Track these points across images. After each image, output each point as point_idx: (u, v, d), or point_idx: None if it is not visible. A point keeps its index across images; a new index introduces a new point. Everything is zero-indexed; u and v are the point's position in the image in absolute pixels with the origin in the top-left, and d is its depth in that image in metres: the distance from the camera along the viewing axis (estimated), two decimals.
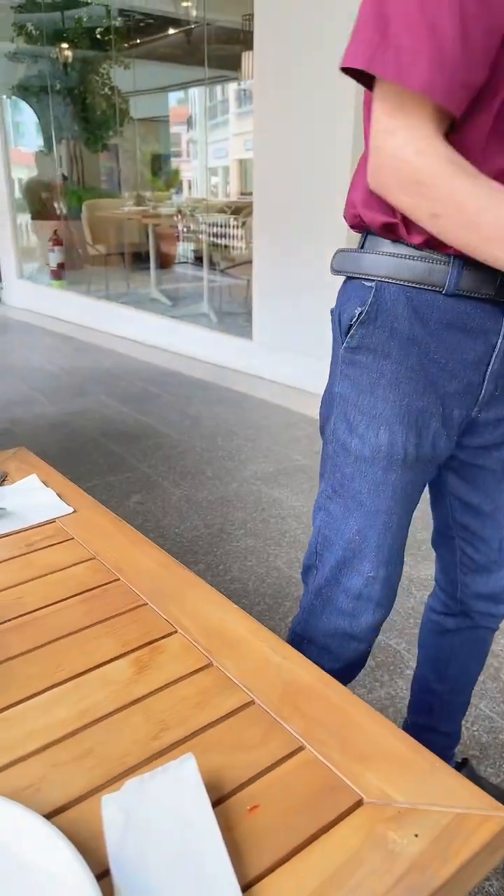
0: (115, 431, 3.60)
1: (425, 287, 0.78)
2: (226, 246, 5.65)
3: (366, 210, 0.80)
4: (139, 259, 6.16)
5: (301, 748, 0.53)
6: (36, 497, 0.96)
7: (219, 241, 5.65)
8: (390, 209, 0.76)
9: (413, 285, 0.78)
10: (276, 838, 0.46)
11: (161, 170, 6.72)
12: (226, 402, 4.08)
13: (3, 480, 1.01)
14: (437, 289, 0.77)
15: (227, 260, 5.75)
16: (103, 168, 7.24)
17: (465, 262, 0.76)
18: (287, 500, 2.81)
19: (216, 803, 0.47)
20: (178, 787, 0.47)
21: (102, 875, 0.42)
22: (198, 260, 5.87)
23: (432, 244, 0.76)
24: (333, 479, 0.89)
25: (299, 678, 0.60)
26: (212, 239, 5.41)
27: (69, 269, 6.55)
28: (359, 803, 0.48)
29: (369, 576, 0.88)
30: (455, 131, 0.70)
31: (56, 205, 6.99)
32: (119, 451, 3.33)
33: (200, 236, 5.95)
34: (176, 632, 0.67)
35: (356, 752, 0.52)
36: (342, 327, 0.84)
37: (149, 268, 5.90)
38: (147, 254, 5.96)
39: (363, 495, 0.86)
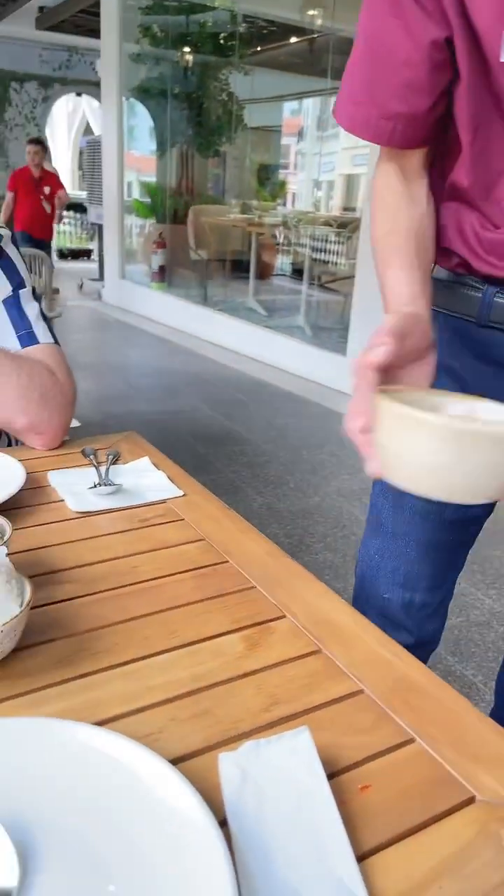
0: (204, 434, 3.69)
1: (457, 315, 0.75)
2: (326, 260, 5.69)
3: None
4: (239, 267, 6.30)
5: (412, 740, 0.53)
6: (148, 478, 1.01)
7: (320, 255, 5.69)
8: None
9: (449, 313, 0.76)
10: (387, 819, 0.46)
11: (268, 180, 6.85)
12: (314, 416, 4.10)
13: (117, 459, 1.06)
14: (470, 318, 0.74)
15: (328, 274, 5.78)
16: (211, 175, 7.45)
17: (501, 288, 0.72)
18: None
19: (328, 777, 0.48)
20: (294, 755, 0.49)
21: (220, 825, 0.44)
22: (296, 272, 5.94)
23: (468, 267, 0.73)
24: (376, 510, 0.92)
25: (409, 675, 0.61)
26: (314, 252, 5.43)
27: (169, 273, 6.77)
28: (471, 800, 0.48)
29: (384, 597, 0.90)
30: (443, 157, 0.75)
31: (163, 208, 7.22)
32: (206, 454, 3.41)
33: (301, 249, 6.01)
34: (284, 616, 0.68)
35: (468, 751, 0.52)
36: None
37: (248, 277, 6.02)
38: (247, 262, 6.08)
39: (384, 516, 0.88)
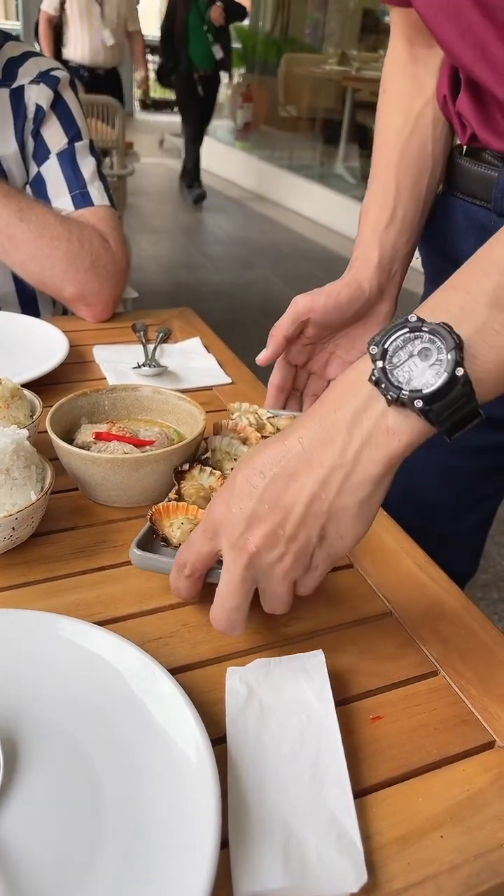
0: (275, 311, 3.52)
1: (472, 201, 0.68)
2: None
3: None
4: (330, 128, 5.72)
5: (435, 672, 0.50)
6: (197, 361, 0.95)
7: None
8: None
9: (464, 198, 0.69)
10: (395, 754, 0.43)
11: (373, 28, 6.01)
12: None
13: (167, 338, 1.01)
14: (486, 205, 0.66)
15: None
16: (310, 20, 6.61)
17: None
18: None
19: (338, 704, 0.45)
20: (304, 679, 0.46)
21: (218, 741, 0.42)
22: None
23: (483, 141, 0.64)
24: None
25: (444, 602, 0.56)
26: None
27: (255, 131, 6.27)
28: (490, 745, 0.45)
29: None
30: None
31: (254, 56, 6.56)
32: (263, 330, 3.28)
33: None
34: None
35: (496, 692, 0.48)
36: None
37: (339, 139, 5.49)
38: (340, 123, 5.53)
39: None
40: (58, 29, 4.39)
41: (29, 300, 1.13)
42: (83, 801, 0.38)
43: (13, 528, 0.53)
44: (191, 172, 5.62)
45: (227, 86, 6.69)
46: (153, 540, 0.55)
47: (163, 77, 5.46)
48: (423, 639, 0.52)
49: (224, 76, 5.69)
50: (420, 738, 0.45)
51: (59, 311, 1.21)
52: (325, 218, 4.99)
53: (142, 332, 0.99)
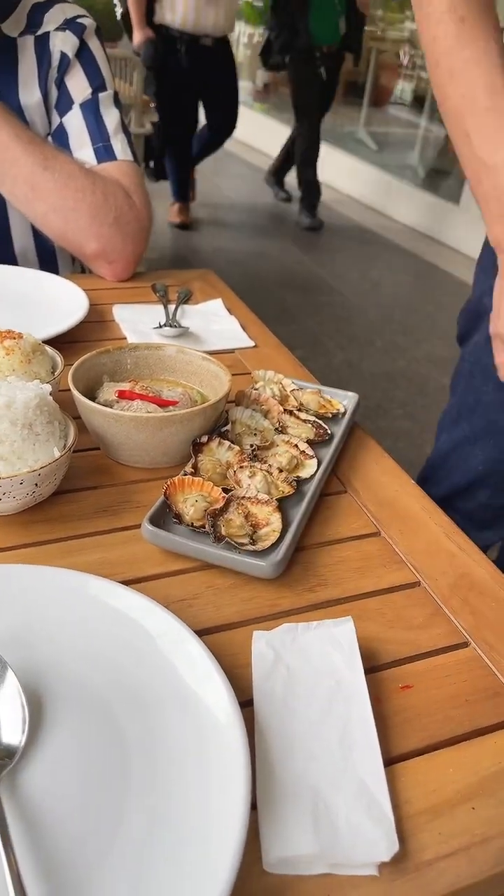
0: (291, 281, 3.49)
1: None
2: None
3: None
4: (352, 90, 5.55)
5: (465, 643, 0.48)
6: (219, 323, 0.93)
7: None
8: None
9: None
10: (425, 724, 0.43)
11: None
12: (413, 272, 3.78)
13: (188, 299, 0.98)
14: None
15: None
16: None
17: None
18: None
19: (367, 671, 0.44)
20: (333, 645, 0.45)
21: (244, 704, 0.41)
22: (417, 101, 5.20)
23: None
24: (465, 400, 0.79)
25: (473, 572, 0.55)
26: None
27: (274, 92, 6.10)
28: None
29: (483, 503, 0.80)
30: None
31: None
32: (290, 301, 3.24)
33: (426, 74, 5.21)
34: (346, 492, 0.63)
35: None
36: None
37: (361, 102, 5.34)
38: (362, 85, 5.36)
39: (499, 424, 0.76)
40: None
41: (48, 257, 1.10)
42: (111, 761, 0.37)
43: (36, 485, 0.52)
44: (310, 190, 4.16)
45: (247, 45, 6.48)
46: (166, 514, 0.54)
47: (269, 55, 3.92)
48: (454, 610, 0.51)
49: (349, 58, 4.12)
50: (450, 709, 0.44)
51: (77, 269, 1.19)
52: (345, 185, 4.89)
53: (162, 293, 0.97)
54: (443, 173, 4.61)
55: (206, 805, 0.35)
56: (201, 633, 0.46)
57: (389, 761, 0.40)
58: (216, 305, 0.97)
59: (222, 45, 3.40)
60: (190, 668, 0.41)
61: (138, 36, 3.33)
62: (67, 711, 0.39)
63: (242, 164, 5.56)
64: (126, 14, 3.44)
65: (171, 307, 0.93)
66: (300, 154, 4.14)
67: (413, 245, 4.02)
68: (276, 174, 4.67)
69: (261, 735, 0.40)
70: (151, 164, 3.83)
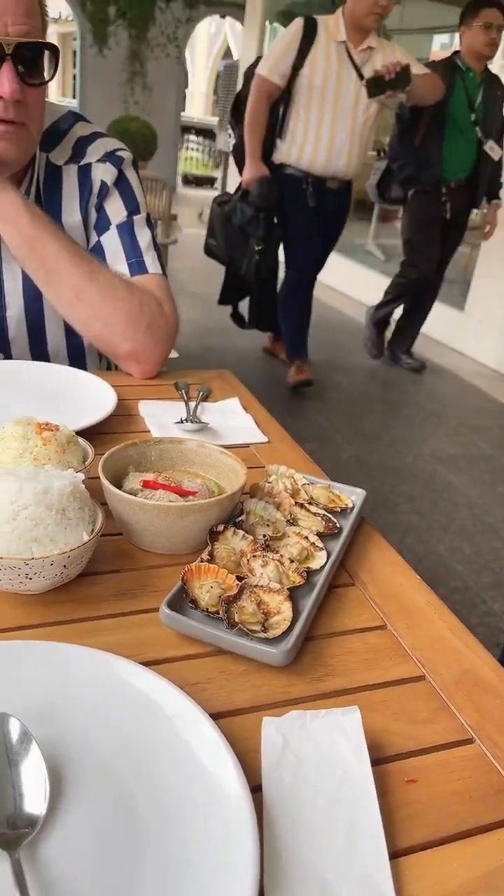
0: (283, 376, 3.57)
1: None
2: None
3: None
4: (362, 206, 5.97)
5: (470, 740, 0.50)
6: (235, 419, 0.99)
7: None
8: None
9: None
10: (429, 819, 0.44)
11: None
12: (421, 373, 3.91)
13: (207, 397, 1.05)
14: None
15: None
16: None
17: None
18: (463, 488, 2.67)
19: (372, 763, 0.45)
20: (340, 734, 0.47)
21: (254, 789, 0.42)
22: None
23: None
24: None
25: (478, 669, 0.56)
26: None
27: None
28: None
29: None
30: None
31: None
32: (300, 398, 3.35)
33: None
34: (353, 584, 0.65)
35: None
36: None
37: (370, 217, 5.72)
38: (371, 203, 5.77)
39: None
40: (275, 110, 2.93)
41: (77, 354, 1.19)
42: (124, 837, 0.38)
43: (64, 566, 0.55)
44: (410, 335, 3.86)
45: None
46: (182, 599, 0.57)
47: (389, 188, 3.48)
48: (458, 706, 0.53)
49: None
50: (455, 805, 0.45)
51: (103, 365, 1.27)
52: (354, 291, 5.15)
53: (184, 390, 1.04)
54: (447, 282, 4.88)
55: (216, 888, 0.36)
56: (214, 716, 0.48)
57: (395, 854, 0.41)
58: (233, 403, 1.03)
59: (346, 187, 3.16)
60: (204, 751, 0.43)
61: (252, 171, 3.00)
62: (85, 784, 0.41)
63: None
64: (239, 146, 3.11)
65: (192, 404, 0.99)
66: (411, 313, 3.77)
67: (418, 346, 4.18)
68: (398, 345, 3.92)
69: (269, 821, 0.41)
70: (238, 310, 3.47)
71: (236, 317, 3.54)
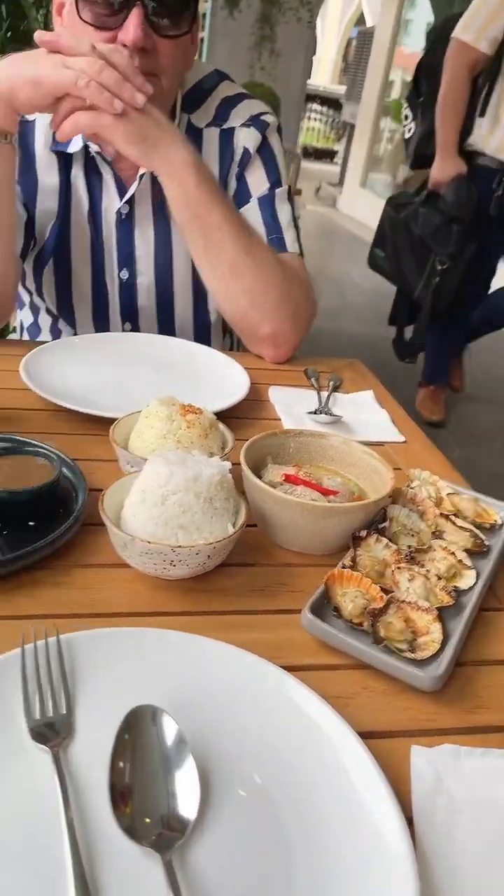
0: (414, 371, 3.47)
1: None
2: None
3: None
4: None
5: None
6: (370, 415, 0.95)
7: None
8: None
9: None
10: None
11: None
12: None
13: (339, 387, 1.01)
14: None
15: None
16: None
17: None
18: None
19: None
20: (498, 779, 0.43)
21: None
22: None
23: None
24: None
25: None
26: None
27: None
28: None
29: None
30: None
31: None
32: (409, 393, 3.23)
33: None
34: (503, 609, 0.61)
35: None
36: None
37: None
38: None
39: None
40: (476, 85, 2.21)
41: (203, 331, 1.17)
42: (272, 850, 0.37)
43: (208, 556, 0.54)
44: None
45: (391, 140, 6.77)
46: (325, 605, 0.55)
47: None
48: None
49: None
50: None
51: (226, 345, 1.25)
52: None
53: (314, 379, 1.00)
54: None
55: None
56: (360, 736, 0.45)
57: None
58: (367, 396, 0.99)
59: None
60: (356, 772, 0.41)
61: (446, 167, 2.31)
62: (231, 792, 0.39)
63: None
64: (427, 135, 2.41)
65: (324, 394, 0.96)
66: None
67: None
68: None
69: (423, 858, 0.38)
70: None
71: (397, 343, 2.81)
